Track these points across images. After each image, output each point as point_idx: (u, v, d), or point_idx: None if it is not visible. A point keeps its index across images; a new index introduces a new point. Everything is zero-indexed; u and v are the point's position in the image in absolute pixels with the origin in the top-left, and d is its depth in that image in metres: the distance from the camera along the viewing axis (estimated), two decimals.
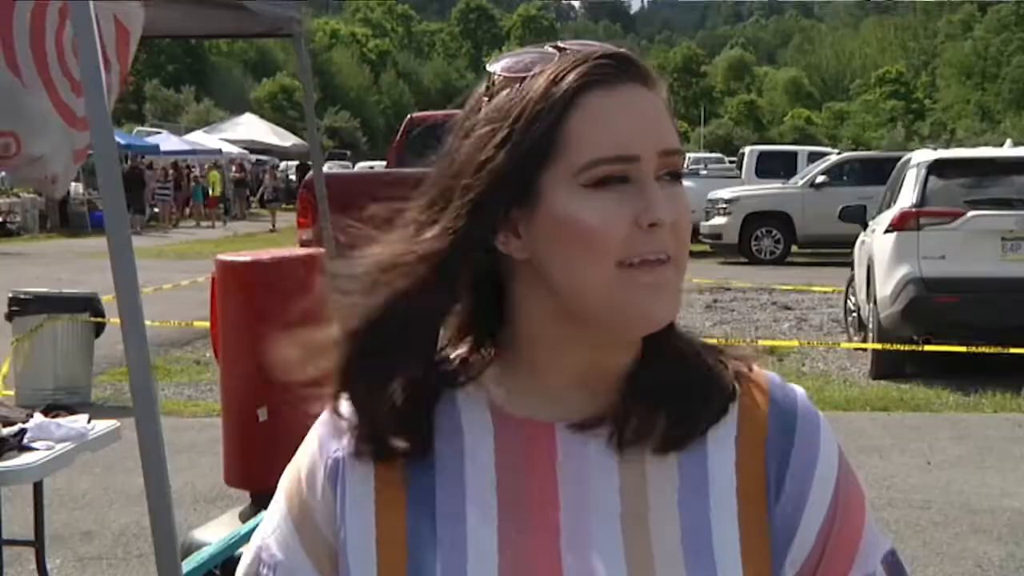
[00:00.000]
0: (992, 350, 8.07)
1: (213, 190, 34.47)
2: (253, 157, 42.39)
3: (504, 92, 1.04)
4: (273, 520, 1.12)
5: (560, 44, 1.06)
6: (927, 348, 8.67)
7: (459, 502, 1.05)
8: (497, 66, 1.07)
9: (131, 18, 3.40)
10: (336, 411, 1.10)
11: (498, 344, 1.10)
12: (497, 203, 1.02)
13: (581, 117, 1.01)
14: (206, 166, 36.43)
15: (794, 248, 19.85)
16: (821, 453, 1.09)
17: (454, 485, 1.05)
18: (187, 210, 34.83)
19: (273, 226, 32.02)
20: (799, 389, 1.13)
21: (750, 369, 1.12)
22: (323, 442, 1.10)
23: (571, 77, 1.02)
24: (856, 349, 10.42)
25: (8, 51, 3.00)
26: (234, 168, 38.96)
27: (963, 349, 8.19)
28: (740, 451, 1.07)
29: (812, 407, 1.12)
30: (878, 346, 9.12)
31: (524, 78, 1.04)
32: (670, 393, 1.07)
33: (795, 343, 10.60)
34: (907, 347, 8.89)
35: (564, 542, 1.03)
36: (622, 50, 1.05)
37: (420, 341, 1.06)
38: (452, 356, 1.11)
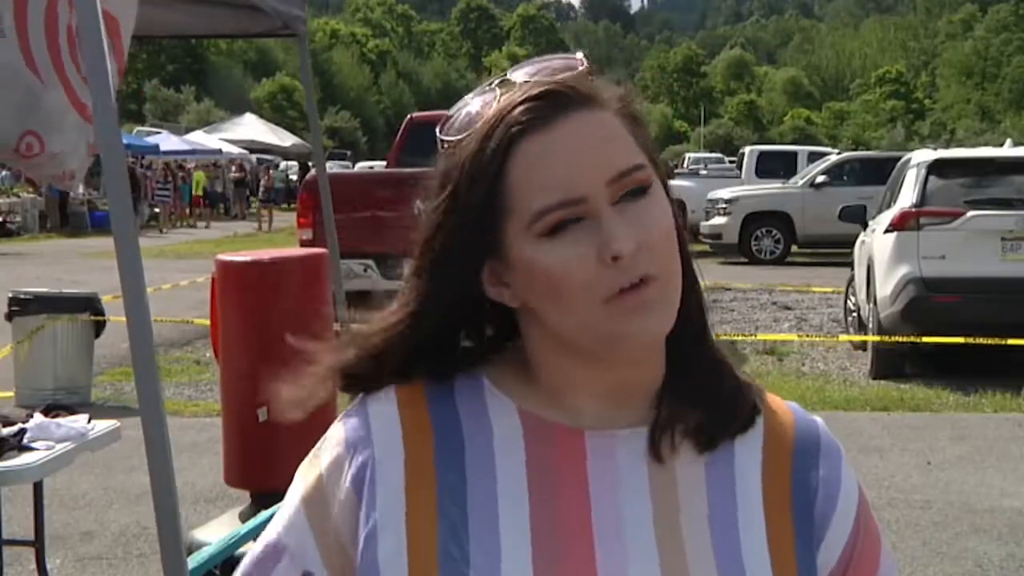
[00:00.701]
0: (991, 341, 8.05)
1: (196, 189, 34.02)
2: (253, 157, 42.38)
3: (445, 156, 1.05)
4: (287, 511, 1.10)
5: (507, 76, 1.06)
6: (926, 340, 8.65)
7: (492, 511, 1.03)
8: (440, 130, 1.07)
9: (118, 6, 3.31)
10: (365, 411, 1.09)
11: (521, 357, 1.10)
12: (459, 265, 1.04)
13: (519, 168, 1.00)
14: (191, 166, 36.13)
15: (794, 248, 19.85)
16: (843, 479, 1.11)
17: (486, 493, 1.04)
18: (186, 210, 34.81)
19: (267, 225, 31.34)
20: (819, 419, 1.15)
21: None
22: (350, 442, 1.07)
23: (500, 130, 1.01)
24: (856, 348, 10.42)
25: (26, 50, 3.00)
26: (234, 168, 38.91)
27: (961, 340, 8.17)
28: (767, 460, 1.09)
29: (833, 437, 1.14)
30: (876, 338, 9.10)
31: (464, 139, 1.04)
32: (703, 402, 1.08)
33: (794, 336, 10.59)
34: (906, 339, 8.86)
35: (599, 548, 1.02)
36: (552, 84, 1.02)
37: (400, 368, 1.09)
38: (479, 362, 1.11)
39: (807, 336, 10.84)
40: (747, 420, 1.09)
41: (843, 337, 10.60)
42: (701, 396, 1.08)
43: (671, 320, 1.02)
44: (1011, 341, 7.96)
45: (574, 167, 0.99)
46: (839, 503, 1.10)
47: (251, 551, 1.12)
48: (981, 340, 8.12)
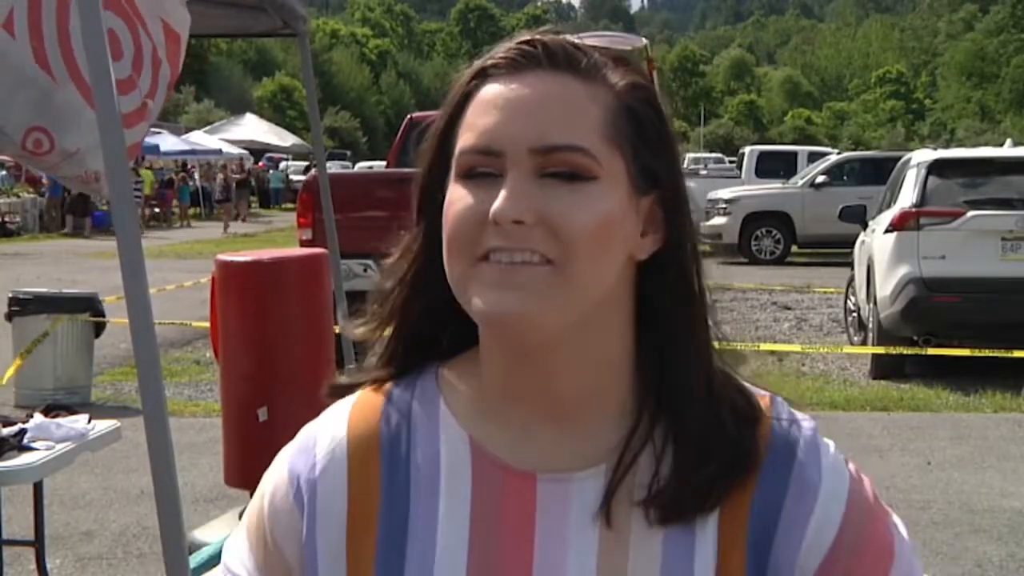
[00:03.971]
0: (996, 354, 7.98)
1: (146, 188, 33.19)
2: (251, 157, 42.32)
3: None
4: (236, 542, 1.09)
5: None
6: (930, 352, 8.59)
7: (429, 557, 0.99)
8: None
9: (180, 23, 3.42)
10: (308, 436, 1.07)
11: (477, 361, 1.04)
12: (429, 199, 1.01)
13: (473, 108, 0.97)
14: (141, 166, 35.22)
15: (794, 248, 19.86)
16: (819, 500, 0.99)
17: (426, 544, 0.99)
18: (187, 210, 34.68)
19: (226, 228, 30.01)
20: (806, 426, 1.03)
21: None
22: (292, 469, 1.06)
23: (476, 69, 0.99)
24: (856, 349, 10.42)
25: (39, 46, 3.00)
26: (234, 168, 38.74)
27: (967, 353, 8.11)
28: (722, 520, 0.98)
29: (815, 445, 1.01)
30: (880, 350, 9.04)
31: None
32: (675, 454, 0.98)
33: (797, 348, 10.58)
34: (909, 350, 8.77)
35: None
36: (538, 35, 0.99)
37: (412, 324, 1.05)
38: (441, 375, 1.06)
39: (810, 347, 10.75)
40: (734, 485, 0.98)
41: (846, 348, 10.54)
42: (675, 449, 0.98)
43: (543, 311, 0.93)
44: (1016, 353, 7.87)
45: (506, 121, 0.94)
46: (800, 551, 0.98)
47: None
48: (985, 352, 8.01)
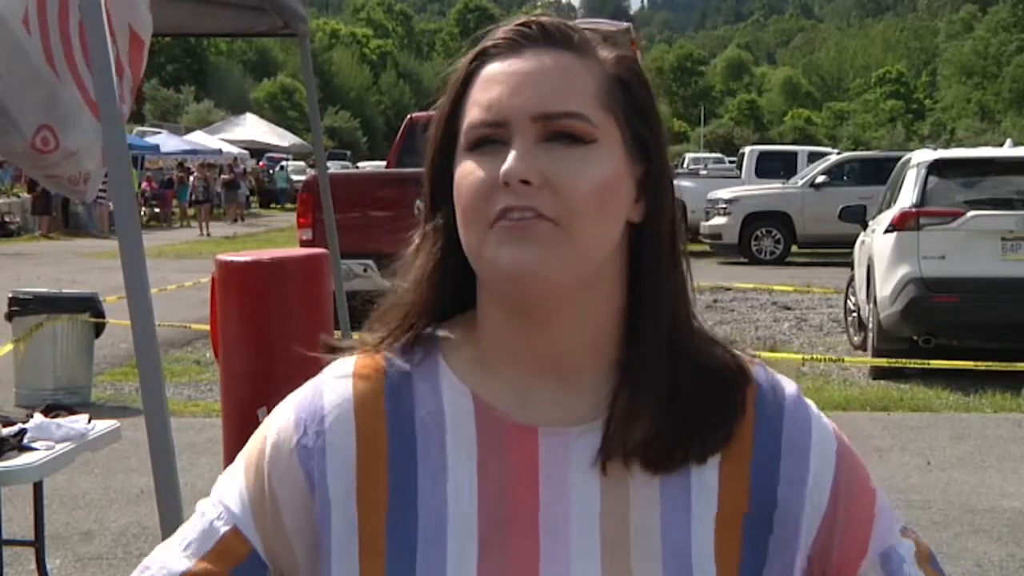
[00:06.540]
0: (992, 366, 7.87)
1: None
2: (247, 157, 42.28)
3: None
4: (229, 478, 1.10)
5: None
6: (928, 364, 8.47)
7: (440, 505, 1.03)
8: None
9: (145, 28, 3.44)
10: (315, 388, 1.08)
11: (475, 324, 1.09)
12: (438, 176, 1.06)
13: (476, 87, 1.04)
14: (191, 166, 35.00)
15: (794, 248, 19.86)
16: (812, 456, 1.07)
17: (436, 494, 1.03)
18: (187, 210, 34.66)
19: (202, 230, 29.51)
20: (789, 387, 1.10)
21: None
22: (299, 417, 1.07)
23: (478, 50, 1.06)
24: (856, 348, 10.42)
25: (47, 45, 3.01)
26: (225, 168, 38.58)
27: (963, 365, 7.93)
28: (723, 473, 1.05)
29: (802, 405, 1.09)
30: (879, 361, 8.92)
31: None
32: (668, 410, 1.03)
33: (798, 357, 10.57)
34: (905, 363, 8.61)
35: (543, 557, 1.01)
36: (533, 17, 1.05)
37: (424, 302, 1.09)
38: (438, 337, 1.09)
39: (811, 356, 10.68)
40: (724, 437, 1.04)
41: (847, 360, 10.50)
42: (664, 400, 1.03)
43: (553, 267, 0.98)
44: (1017, 365, 7.75)
45: (509, 93, 1.01)
46: (806, 502, 1.06)
47: (199, 507, 1.11)
48: (981, 365, 7.92)
